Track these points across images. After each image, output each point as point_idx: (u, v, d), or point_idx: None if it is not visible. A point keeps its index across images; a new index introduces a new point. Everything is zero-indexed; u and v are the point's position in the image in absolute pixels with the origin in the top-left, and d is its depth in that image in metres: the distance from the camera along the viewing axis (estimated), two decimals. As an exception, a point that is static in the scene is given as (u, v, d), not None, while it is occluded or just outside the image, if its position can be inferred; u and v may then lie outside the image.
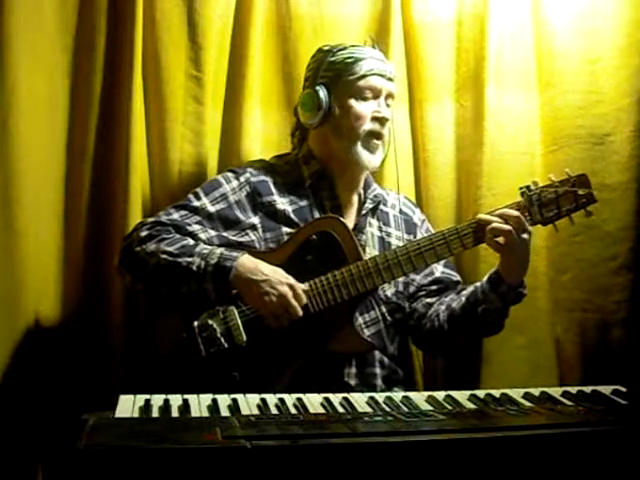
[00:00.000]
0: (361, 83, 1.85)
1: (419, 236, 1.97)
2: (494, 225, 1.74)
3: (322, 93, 1.86)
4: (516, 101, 2.25)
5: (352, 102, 1.86)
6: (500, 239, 1.75)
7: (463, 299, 1.86)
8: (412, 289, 1.96)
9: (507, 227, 1.73)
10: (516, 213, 1.74)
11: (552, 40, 2.26)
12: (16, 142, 1.92)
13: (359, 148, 1.85)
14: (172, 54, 2.12)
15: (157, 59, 2.11)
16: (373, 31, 2.24)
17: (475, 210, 2.18)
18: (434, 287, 1.96)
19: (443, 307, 1.90)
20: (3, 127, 1.90)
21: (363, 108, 1.85)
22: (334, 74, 1.87)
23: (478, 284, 1.84)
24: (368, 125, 1.85)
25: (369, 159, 1.87)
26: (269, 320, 1.73)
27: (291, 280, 1.73)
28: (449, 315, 1.87)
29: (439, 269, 1.97)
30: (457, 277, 1.99)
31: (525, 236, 1.74)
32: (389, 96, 1.90)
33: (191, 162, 2.13)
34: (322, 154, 1.93)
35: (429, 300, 1.95)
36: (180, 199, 1.93)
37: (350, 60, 1.86)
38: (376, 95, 1.87)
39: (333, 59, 1.88)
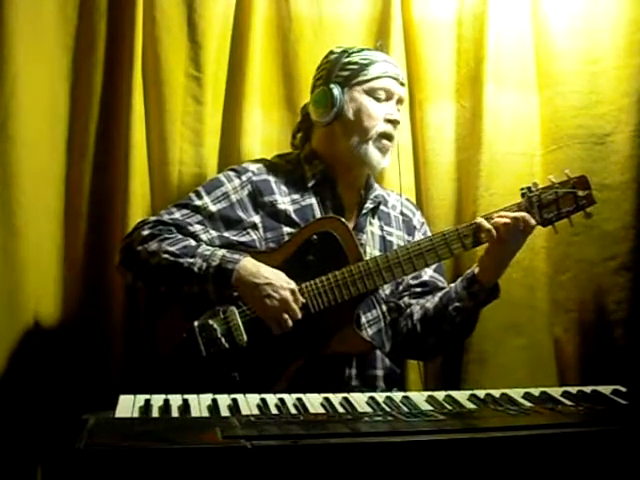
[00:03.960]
0: (375, 84, 1.87)
1: (417, 239, 1.97)
2: (499, 215, 1.77)
3: (336, 91, 1.86)
4: (516, 101, 2.25)
5: (366, 101, 1.87)
6: (495, 231, 1.76)
7: (436, 299, 1.89)
8: (400, 288, 1.97)
9: (505, 220, 1.75)
10: (524, 214, 1.76)
11: (552, 40, 2.26)
12: (16, 142, 1.92)
13: (370, 148, 1.86)
14: (172, 54, 2.12)
15: (157, 59, 2.11)
16: (373, 31, 2.25)
17: (474, 210, 2.18)
18: (419, 289, 1.97)
19: (418, 307, 1.92)
20: (3, 127, 1.91)
21: (376, 109, 1.87)
22: (349, 74, 1.87)
23: (452, 284, 1.87)
24: (381, 126, 1.86)
25: (379, 160, 1.87)
26: (269, 324, 1.73)
27: (293, 285, 1.73)
28: (422, 315, 1.89)
29: (428, 273, 1.97)
30: (444, 283, 1.99)
31: (521, 239, 1.77)
32: (399, 101, 1.92)
33: (191, 162, 2.14)
34: (326, 154, 1.93)
35: (410, 301, 1.96)
36: (180, 199, 1.93)
37: (365, 61, 1.88)
38: (389, 97, 1.88)
39: (348, 60, 1.89)
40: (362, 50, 1.92)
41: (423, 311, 1.90)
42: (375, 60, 1.89)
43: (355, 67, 1.88)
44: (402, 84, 1.93)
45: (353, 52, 1.90)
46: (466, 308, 1.83)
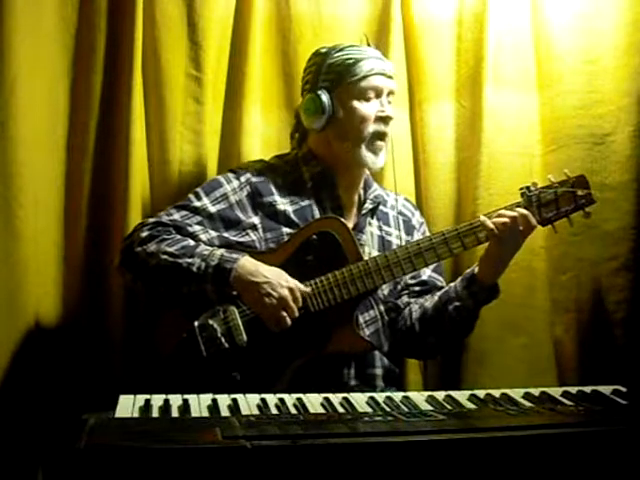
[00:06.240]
0: (363, 84, 1.85)
1: (416, 238, 1.97)
2: (499, 214, 1.76)
3: (324, 97, 1.85)
4: (515, 101, 2.25)
5: (356, 104, 1.85)
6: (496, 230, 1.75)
7: (436, 298, 1.89)
8: (399, 287, 1.97)
9: (504, 220, 1.74)
10: (525, 212, 1.75)
11: (552, 40, 2.26)
12: (16, 142, 1.92)
13: (363, 151, 1.85)
14: (172, 54, 2.12)
15: (157, 59, 2.11)
16: (373, 31, 2.24)
17: (474, 210, 2.18)
18: (417, 288, 1.97)
19: (416, 306, 1.92)
20: (3, 127, 1.90)
21: (367, 109, 1.85)
22: (335, 77, 1.86)
23: (452, 284, 1.87)
24: (372, 126, 1.85)
25: (374, 161, 1.87)
26: (268, 322, 1.73)
27: (292, 283, 1.73)
28: (421, 314, 1.89)
29: (427, 272, 1.97)
30: (443, 283, 1.99)
31: (520, 238, 1.76)
32: (390, 93, 1.90)
33: (191, 162, 2.14)
34: (323, 155, 1.92)
35: (408, 300, 1.96)
36: (180, 199, 1.93)
37: (350, 61, 1.85)
38: (378, 94, 1.87)
39: (332, 61, 1.87)
40: (345, 48, 1.88)
41: (422, 310, 1.90)
42: (360, 58, 1.85)
43: (340, 69, 1.85)
44: (390, 77, 1.89)
45: (336, 52, 1.87)
46: (466, 308, 1.83)
